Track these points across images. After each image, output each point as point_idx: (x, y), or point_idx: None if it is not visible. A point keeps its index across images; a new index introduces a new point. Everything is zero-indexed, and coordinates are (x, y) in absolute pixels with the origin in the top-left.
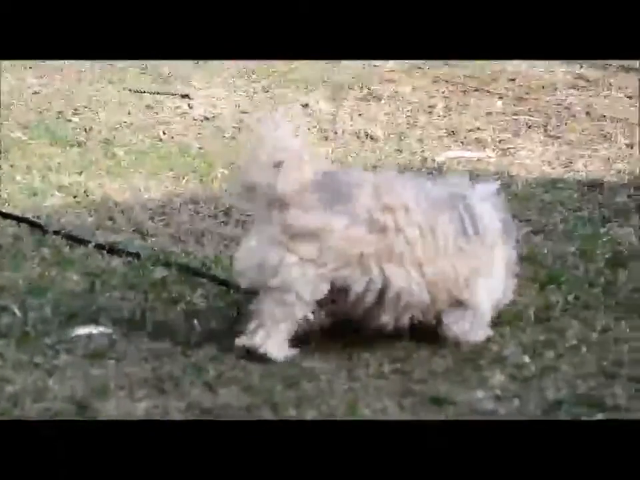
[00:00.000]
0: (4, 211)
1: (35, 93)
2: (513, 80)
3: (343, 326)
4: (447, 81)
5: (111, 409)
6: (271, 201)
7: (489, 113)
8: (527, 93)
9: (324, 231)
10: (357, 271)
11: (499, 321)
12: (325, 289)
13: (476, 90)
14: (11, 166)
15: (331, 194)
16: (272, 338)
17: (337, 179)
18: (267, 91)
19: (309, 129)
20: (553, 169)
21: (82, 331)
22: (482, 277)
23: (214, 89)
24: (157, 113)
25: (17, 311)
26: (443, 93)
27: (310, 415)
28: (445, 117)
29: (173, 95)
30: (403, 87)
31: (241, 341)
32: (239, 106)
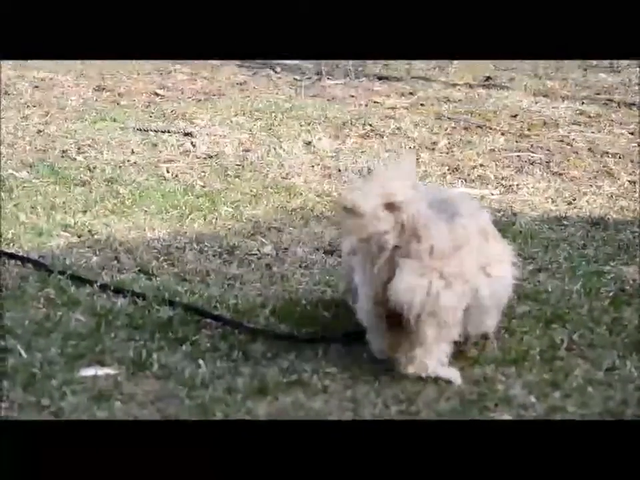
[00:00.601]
0: (9, 251)
1: (39, 132)
2: (515, 116)
3: (347, 364)
4: (449, 118)
5: None
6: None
7: (492, 150)
8: (529, 130)
9: (461, 246)
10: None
11: (504, 360)
12: (465, 304)
13: (478, 126)
14: (15, 205)
15: (444, 212)
16: (440, 361)
17: (435, 196)
18: (270, 129)
19: (312, 167)
20: (557, 206)
21: (87, 372)
22: None
23: (216, 126)
24: (160, 151)
25: (22, 352)
26: (446, 129)
27: None
28: (447, 153)
29: (176, 133)
30: (405, 124)
31: (410, 370)
32: (241, 143)
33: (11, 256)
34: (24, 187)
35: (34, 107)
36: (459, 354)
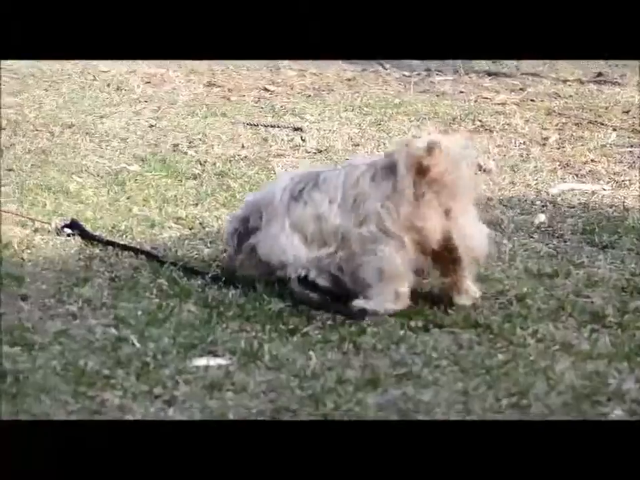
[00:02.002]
0: (122, 242)
1: (151, 126)
2: (627, 112)
3: (459, 357)
4: (559, 113)
5: None
6: None
7: (603, 145)
8: None
9: None
10: None
11: (616, 355)
12: None
13: (590, 122)
14: (128, 198)
15: None
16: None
17: None
18: (379, 124)
19: None
20: None
21: (200, 362)
22: None
23: (326, 121)
24: (270, 146)
25: (135, 341)
26: (556, 125)
27: None
28: (558, 149)
29: (286, 127)
30: (515, 119)
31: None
32: (350, 138)
33: (124, 247)
34: (136, 180)
35: (145, 102)
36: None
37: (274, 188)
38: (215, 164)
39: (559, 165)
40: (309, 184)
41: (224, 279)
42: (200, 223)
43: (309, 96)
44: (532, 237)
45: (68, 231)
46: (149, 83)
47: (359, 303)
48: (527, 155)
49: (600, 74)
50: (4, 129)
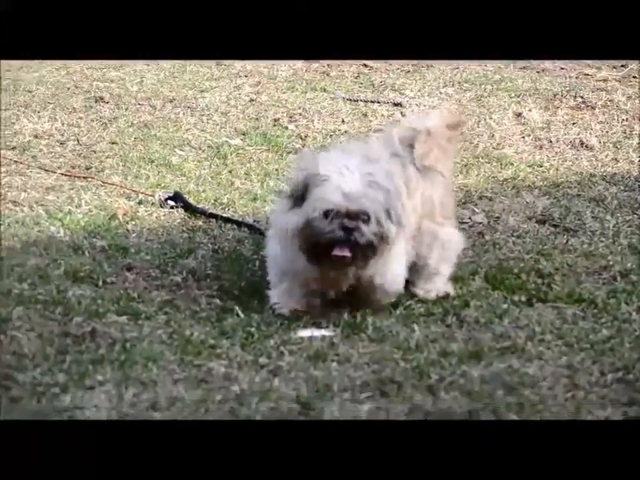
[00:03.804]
0: (225, 215)
1: (252, 100)
2: None
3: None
4: None
5: (335, 410)
6: None
7: None
8: None
9: None
10: None
11: None
12: None
13: None
14: (230, 172)
15: None
16: None
17: None
18: (479, 100)
19: (523, 138)
20: None
21: (304, 333)
22: None
23: (425, 97)
24: (370, 121)
25: (240, 312)
26: None
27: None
28: None
29: (385, 103)
30: (617, 96)
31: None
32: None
33: (227, 220)
34: (238, 153)
35: (245, 77)
36: None
37: None
38: (315, 138)
39: None
40: None
41: None
42: None
43: (408, 72)
44: (636, 214)
45: (171, 203)
46: None
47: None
48: (630, 131)
49: None
50: (107, 102)
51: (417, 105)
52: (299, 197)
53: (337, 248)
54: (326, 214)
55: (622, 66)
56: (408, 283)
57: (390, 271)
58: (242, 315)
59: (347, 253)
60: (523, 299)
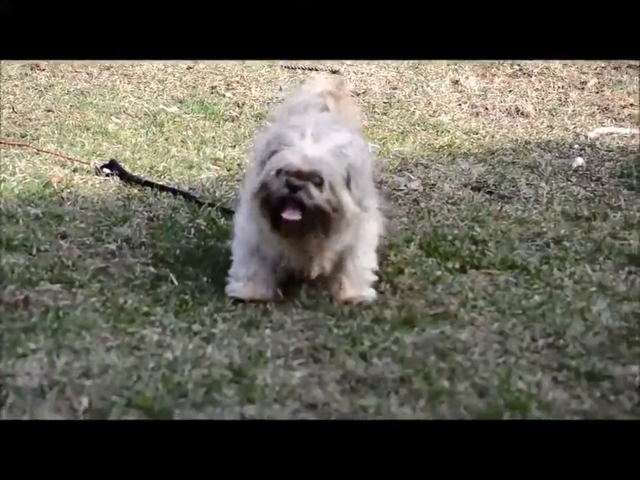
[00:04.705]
0: (160, 183)
1: (189, 68)
2: None
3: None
4: None
5: (267, 377)
6: None
7: None
8: None
9: None
10: None
11: None
12: None
13: (629, 66)
14: (166, 139)
15: None
16: None
17: None
18: (417, 67)
19: (459, 105)
20: None
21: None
22: None
23: (363, 65)
24: None
25: (174, 279)
26: (595, 69)
27: (462, 387)
28: (597, 92)
29: (323, 71)
30: (554, 63)
31: None
32: (388, 82)
33: (162, 188)
34: (174, 121)
35: None
36: None
37: None
38: (252, 106)
39: (598, 109)
40: None
41: None
42: (238, 164)
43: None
44: (570, 180)
45: (107, 171)
46: None
47: None
48: (566, 98)
49: None
50: (43, 69)
51: (354, 72)
52: (263, 162)
53: (288, 211)
54: (278, 172)
55: None
56: None
57: (360, 260)
58: (176, 283)
59: (296, 217)
60: (457, 265)
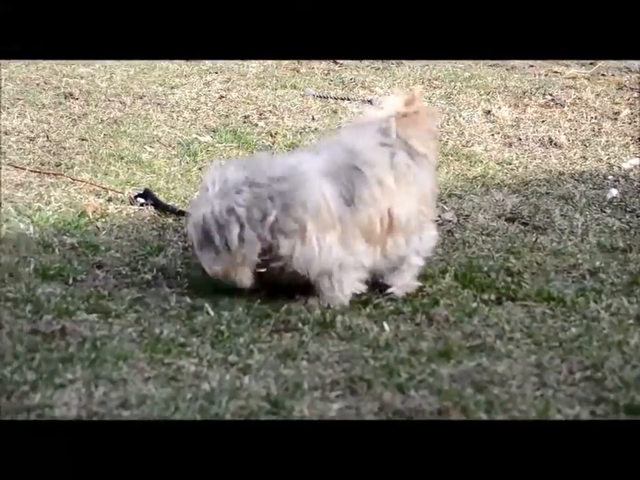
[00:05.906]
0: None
1: (221, 97)
2: None
3: (532, 330)
4: (631, 88)
5: (304, 409)
6: None
7: None
8: None
9: None
10: None
11: None
12: None
13: None
14: (200, 169)
15: None
16: None
17: None
18: (449, 97)
19: (492, 135)
20: None
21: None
22: None
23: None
24: (340, 118)
25: (210, 310)
26: (628, 99)
27: (500, 419)
28: (630, 123)
29: (355, 100)
30: (586, 93)
31: None
32: None
33: None
34: (208, 150)
35: (215, 73)
36: None
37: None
38: (285, 136)
39: (631, 140)
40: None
41: None
42: None
43: (378, 69)
44: (604, 212)
45: (141, 200)
46: None
47: None
48: (599, 129)
49: None
50: (77, 98)
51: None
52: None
53: None
54: None
55: (590, 63)
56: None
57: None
58: (212, 313)
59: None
60: (493, 297)
